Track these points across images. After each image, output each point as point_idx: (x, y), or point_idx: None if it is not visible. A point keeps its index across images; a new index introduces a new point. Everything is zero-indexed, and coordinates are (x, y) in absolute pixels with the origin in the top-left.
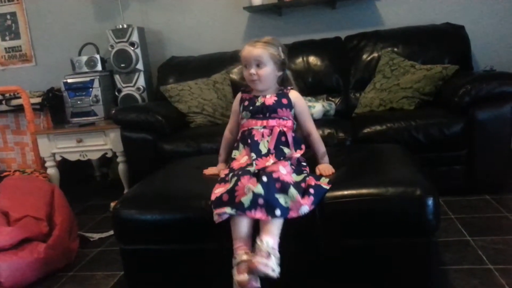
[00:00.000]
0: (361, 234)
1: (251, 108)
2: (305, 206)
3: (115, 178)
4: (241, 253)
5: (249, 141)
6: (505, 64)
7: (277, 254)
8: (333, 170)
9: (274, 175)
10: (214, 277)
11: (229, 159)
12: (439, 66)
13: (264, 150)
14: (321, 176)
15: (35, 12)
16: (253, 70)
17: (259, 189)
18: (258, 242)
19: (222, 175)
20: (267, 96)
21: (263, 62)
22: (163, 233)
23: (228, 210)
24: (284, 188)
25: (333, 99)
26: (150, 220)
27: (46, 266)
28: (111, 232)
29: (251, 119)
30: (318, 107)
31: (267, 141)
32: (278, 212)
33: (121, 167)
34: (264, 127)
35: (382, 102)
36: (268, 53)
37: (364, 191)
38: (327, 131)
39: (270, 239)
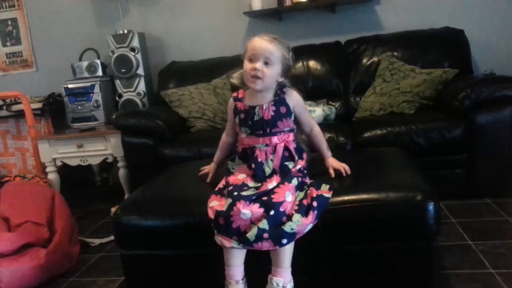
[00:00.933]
0: (362, 239)
1: (249, 123)
2: (310, 224)
3: (115, 183)
4: (232, 282)
5: (253, 166)
6: (505, 67)
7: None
8: (343, 165)
9: (281, 208)
10: (214, 282)
11: (224, 161)
12: (439, 70)
13: (268, 171)
14: (321, 183)
15: (36, 17)
16: (259, 65)
17: (264, 224)
18: (269, 281)
19: (221, 186)
20: (264, 107)
21: (272, 60)
22: (164, 239)
23: (235, 245)
24: (289, 218)
25: (333, 104)
26: (151, 226)
27: (46, 272)
28: (112, 238)
29: (251, 135)
30: (319, 111)
31: (271, 160)
32: (285, 241)
33: (121, 172)
34: (267, 145)
35: (382, 106)
36: (281, 54)
37: (364, 196)
38: (327, 135)
39: (279, 280)
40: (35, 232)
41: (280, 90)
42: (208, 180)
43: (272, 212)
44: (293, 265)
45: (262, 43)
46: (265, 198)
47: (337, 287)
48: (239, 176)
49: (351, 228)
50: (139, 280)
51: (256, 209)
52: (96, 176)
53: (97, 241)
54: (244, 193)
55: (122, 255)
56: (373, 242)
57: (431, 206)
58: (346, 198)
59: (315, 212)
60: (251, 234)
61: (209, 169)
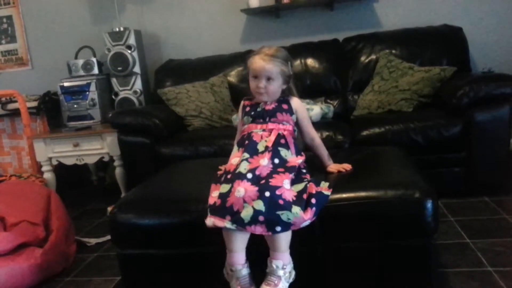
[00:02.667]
0: (360, 237)
1: (252, 113)
2: (308, 220)
3: (112, 182)
4: (240, 268)
5: (246, 142)
6: (503, 65)
7: (287, 271)
8: (344, 165)
9: (277, 192)
10: (213, 281)
11: None
12: (437, 68)
13: (261, 149)
14: (320, 181)
15: (31, 15)
16: (262, 84)
17: (260, 205)
18: (269, 263)
19: (219, 174)
20: (268, 103)
21: (273, 77)
22: (161, 238)
23: (228, 224)
24: (286, 205)
25: (331, 102)
26: (148, 225)
27: (43, 272)
28: (108, 237)
29: (251, 123)
30: (316, 109)
31: (266, 140)
32: (278, 228)
33: (118, 171)
34: (264, 130)
35: (380, 104)
36: (279, 69)
37: (363, 194)
38: (325, 133)
39: (279, 262)
40: (31, 232)
41: (286, 96)
42: None
43: (267, 194)
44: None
45: (262, 65)
46: (262, 181)
47: (335, 285)
48: (233, 161)
49: (349, 226)
50: (135, 280)
51: (250, 187)
52: (93, 175)
53: (93, 241)
54: (237, 170)
55: (118, 255)
56: (371, 240)
57: (429, 204)
58: (344, 195)
59: (313, 209)
60: (247, 214)
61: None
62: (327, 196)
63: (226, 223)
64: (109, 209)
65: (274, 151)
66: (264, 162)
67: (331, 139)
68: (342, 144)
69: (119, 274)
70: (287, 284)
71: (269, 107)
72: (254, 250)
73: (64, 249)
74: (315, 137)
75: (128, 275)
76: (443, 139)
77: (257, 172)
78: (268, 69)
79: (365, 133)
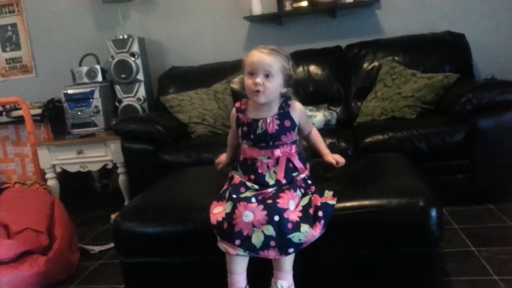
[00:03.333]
0: (364, 245)
1: (251, 137)
2: (317, 235)
3: (115, 189)
4: None
5: (252, 176)
6: (507, 72)
7: None
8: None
9: (285, 215)
10: None
11: (235, 157)
12: (440, 75)
13: (271, 182)
14: (324, 190)
15: (35, 23)
16: (259, 80)
17: (270, 231)
18: (273, 285)
19: (222, 191)
20: (268, 121)
21: (272, 73)
22: (164, 246)
23: (241, 252)
24: (295, 227)
25: (334, 108)
26: (151, 233)
27: (46, 279)
28: (112, 245)
29: (253, 147)
30: (319, 116)
31: (274, 171)
32: (291, 250)
33: (121, 178)
34: (269, 157)
35: (383, 111)
36: (280, 65)
37: (366, 202)
38: (328, 140)
39: (284, 282)
40: (35, 240)
41: (284, 103)
42: (218, 169)
43: (276, 218)
44: (296, 271)
45: (260, 56)
46: (270, 201)
47: None
48: (237, 176)
49: (353, 234)
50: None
51: (258, 211)
52: (96, 182)
53: (97, 248)
54: (243, 195)
55: (122, 263)
56: (375, 248)
57: (433, 212)
58: (348, 204)
59: (322, 222)
60: (258, 240)
61: (221, 158)
62: (333, 206)
63: (238, 251)
64: (113, 216)
65: (287, 180)
66: (272, 190)
67: (334, 146)
68: (345, 151)
69: (122, 282)
70: None
71: (272, 128)
72: (253, 268)
73: (68, 257)
74: (311, 128)
75: (132, 283)
76: (447, 146)
77: (259, 198)
78: (268, 61)
79: (368, 140)
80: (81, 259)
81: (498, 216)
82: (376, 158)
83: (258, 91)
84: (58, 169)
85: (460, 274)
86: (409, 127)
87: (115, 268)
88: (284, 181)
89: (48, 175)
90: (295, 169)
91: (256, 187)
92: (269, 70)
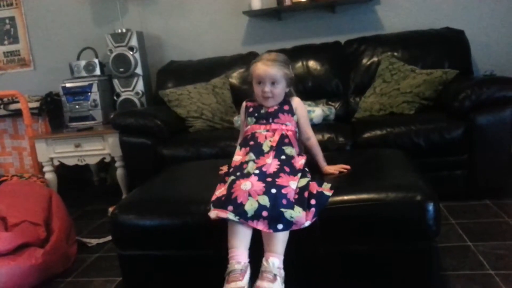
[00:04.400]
0: (361, 239)
1: (256, 114)
2: (308, 221)
3: (113, 183)
4: (233, 263)
5: (251, 142)
6: (505, 68)
7: (283, 273)
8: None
9: (283, 191)
10: (213, 283)
11: None
12: (439, 71)
13: (266, 149)
14: (323, 181)
15: (34, 16)
16: (267, 88)
17: (265, 200)
18: (264, 262)
19: (222, 173)
20: (270, 106)
21: (277, 80)
22: (162, 239)
23: (230, 216)
24: (290, 205)
25: (333, 104)
26: (149, 226)
27: (43, 272)
28: (109, 238)
29: (254, 124)
30: (318, 111)
31: (270, 140)
32: (280, 226)
33: (119, 172)
34: (267, 130)
35: (382, 107)
36: (283, 72)
37: (364, 196)
38: (327, 135)
39: (276, 260)
40: (32, 232)
41: (286, 97)
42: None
43: (273, 190)
44: (292, 265)
45: (266, 70)
46: (269, 179)
47: None
48: (236, 158)
49: (350, 228)
50: (136, 281)
51: (257, 183)
52: (94, 175)
53: (94, 241)
54: (245, 171)
55: (119, 255)
56: (372, 243)
57: (430, 207)
58: (345, 198)
59: (312, 209)
60: (251, 208)
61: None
62: (328, 196)
63: (229, 214)
64: (110, 209)
65: (278, 149)
66: (270, 161)
67: (332, 141)
68: (343, 146)
69: (120, 275)
70: (283, 286)
71: (272, 109)
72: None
73: (65, 250)
74: (311, 136)
75: (129, 276)
76: (445, 142)
77: (264, 169)
78: (272, 73)
79: (366, 135)
80: (78, 252)
81: (495, 212)
82: (374, 153)
83: (268, 97)
84: (56, 162)
85: (456, 269)
86: (408, 123)
87: (112, 261)
88: (275, 148)
89: (45, 168)
90: (289, 144)
91: (254, 157)
92: (274, 78)
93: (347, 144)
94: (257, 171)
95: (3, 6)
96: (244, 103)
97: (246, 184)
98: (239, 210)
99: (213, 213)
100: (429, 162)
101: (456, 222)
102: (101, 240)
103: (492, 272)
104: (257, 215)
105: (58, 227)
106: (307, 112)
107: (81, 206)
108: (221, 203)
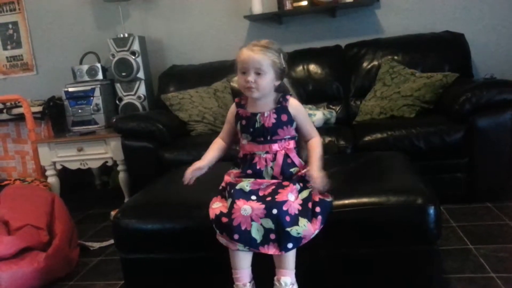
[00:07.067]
0: (362, 243)
1: (251, 130)
2: (316, 230)
3: (115, 186)
4: (239, 285)
5: (249, 171)
6: (506, 71)
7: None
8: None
9: (284, 207)
10: (215, 286)
11: (213, 161)
12: (439, 74)
13: (267, 178)
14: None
15: (36, 21)
16: (251, 78)
17: (269, 223)
18: (277, 283)
19: (220, 187)
20: (266, 115)
21: (263, 69)
22: (164, 243)
23: (241, 247)
24: (294, 220)
25: (333, 107)
26: (151, 229)
27: (46, 276)
28: (112, 241)
29: (252, 142)
30: (319, 115)
31: (271, 167)
32: (290, 245)
33: (121, 176)
34: (267, 152)
35: (382, 110)
36: (270, 60)
37: (365, 200)
38: (328, 139)
39: (287, 278)
40: (35, 236)
41: (282, 98)
42: (188, 181)
43: (275, 211)
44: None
45: (250, 55)
46: (269, 198)
47: None
48: (231, 177)
49: (351, 232)
50: (138, 284)
51: (257, 206)
52: (96, 179)
53: (96, 245)
54: (238, 187)
55: (122, 259)
56: (374, 246)
57: (431, 210)
58: (346, 201)
59: (319, 217)
60: (258, 234)
61: (199, 166)
62: (331, 202)
63: (238, 246)
64: (113, 213)
65: (284, 176)
66: (268, 183)
67: (333, 145)
68: (344, 150)
69: (122, 279)
70: None
71: (269, 122)
72: (258, 267)
73: (68, 253)
74: (315, 135)
75: (131, 280)
76: (445, 145)
77: (260, 193)
78: (258, 59)
79: (367, 138)
80: (81, 255)
81: (496, 214)
82: (375, 156)
83: (250, 87)
84: (58, 166)
85: (457, 272)
86: (408, 126)
87: (115, 264)
88: (280, 178)
89: (48, 172)
90: (293, 164)
91: (252, 179)
92: (259, 67)
93: (348, 147)
94: (254, 197)
95: (6, 11)
96: (234, 107)
97: (246, 209)
98: (246, 238)
99: (223, 241)
100: (430, 165)
101: (457, 225)
102: (103, 244)
103: (493, 275)
104: (266, 240)
105: (60, 231)
106: (307, 113)
107: (84, 209)
108: (225, 228)
